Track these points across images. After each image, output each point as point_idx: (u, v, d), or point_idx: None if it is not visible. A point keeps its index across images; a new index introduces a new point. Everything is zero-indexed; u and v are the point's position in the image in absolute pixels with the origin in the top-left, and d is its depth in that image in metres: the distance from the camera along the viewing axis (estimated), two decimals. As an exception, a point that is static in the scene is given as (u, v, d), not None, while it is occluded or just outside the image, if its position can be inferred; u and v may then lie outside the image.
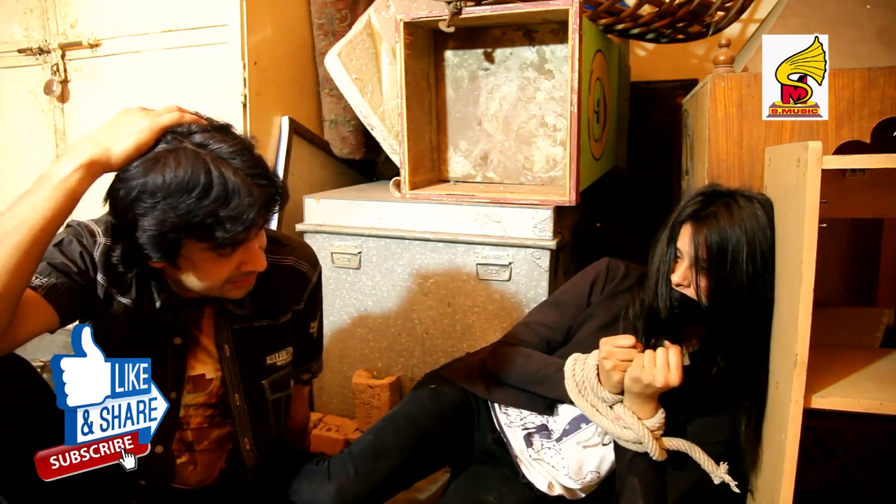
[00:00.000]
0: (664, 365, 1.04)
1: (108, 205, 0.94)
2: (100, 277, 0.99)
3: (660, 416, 1.09)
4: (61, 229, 0.94)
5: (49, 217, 0.84)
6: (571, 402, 1.17)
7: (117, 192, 0.90)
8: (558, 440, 1.22)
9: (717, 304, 1.06)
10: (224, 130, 0.96)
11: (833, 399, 0.98)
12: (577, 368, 1.15)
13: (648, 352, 1.06)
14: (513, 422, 1.27)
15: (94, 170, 0.87)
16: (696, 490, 1.12)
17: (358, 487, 1.15)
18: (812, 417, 0.97)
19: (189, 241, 0.90)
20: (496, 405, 1.30)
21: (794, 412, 0.95)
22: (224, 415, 1.14)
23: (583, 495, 1.24)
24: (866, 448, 1.42)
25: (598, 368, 1.12)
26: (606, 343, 1.10)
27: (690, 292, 1.09)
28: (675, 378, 1.03)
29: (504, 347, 1.27)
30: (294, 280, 1.17)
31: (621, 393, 1.11)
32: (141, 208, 0.88)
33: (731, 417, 1.12)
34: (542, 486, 1.22)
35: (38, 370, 1.03)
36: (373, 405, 1.71)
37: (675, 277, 1.10)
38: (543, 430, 1.24)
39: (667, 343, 1.07)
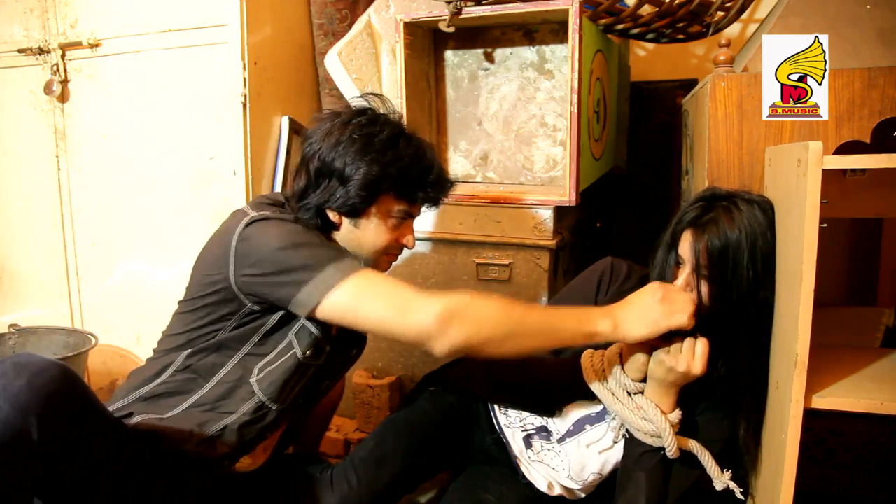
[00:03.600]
0: (689, 350, 1.03)
1: (317, 155, 1.08)
2: None
3: (678, 412, 1.08)
4: (292, 226, 1.06)
5: (557, 344, 1.08)
6: (588, 397, 1.16)
7: (336, 146, 1.07)
8: (560, 441, 1.22)
9: (720, 309, 1.06)
10: (416, 133, 1.17)
11: (833, 399, 0.98)
12: (596, 358, 1.15)
13: (675, 340, 1.06)
14: (512, 423, 1.27)
15: (597, 339, 1.04)
16: (696, 489, 1.12)
17: (361, 496, 1.15)
18: (812, 417, 0.97)
19: (389, 195, 1.11)
20: (496, 406, 1.30)
21: (795, 412, 0.94)
22: (320, 380, 1.22)
23: (583, 495, 1.24)
24: (866, 448, 1.42)
25: (620, 356, 1.12)
26: None
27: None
28: (698, 367, 1.03)
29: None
30: None
31: (642, 382, 1.10)
32: (369, 153, 1.06)
33: (730, 418, 1.12)
34: (541, 486, 1.22)
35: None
36: (373, 405, 1.71)
37: (678, 284, 1.09)
38: (543, 431, 1.24)
39: (698, 335, 1.06)
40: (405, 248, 1.19)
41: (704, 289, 1.06)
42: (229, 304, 1.06)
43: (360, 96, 1.18)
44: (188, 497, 1.05)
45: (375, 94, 1.18)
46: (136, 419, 1.04)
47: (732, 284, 1.03)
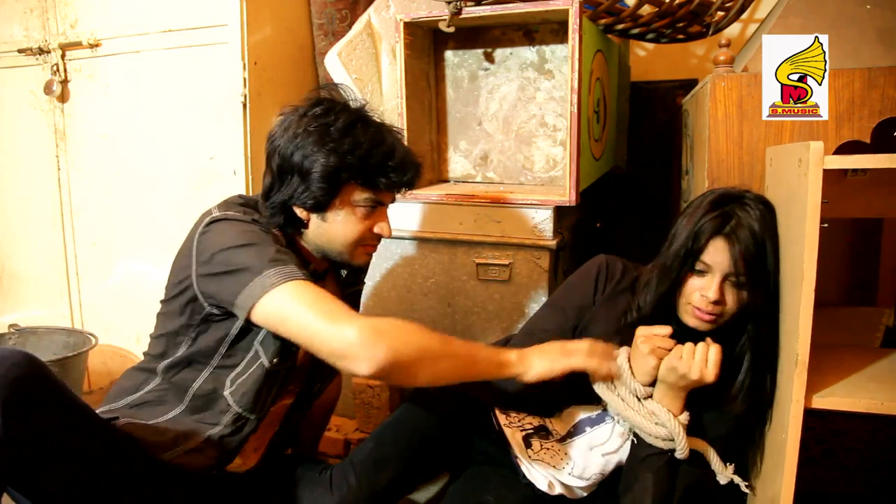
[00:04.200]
0: (703, 359, 1.02)
1: (277, 151, 1.06)
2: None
3: (686, 414, 1.08)
4: (247, 228, 1.04)
5: (475, 371, 1.04)
6: (585, 400, 1.15)
7: (294, 140, 1.05)
8: (561, 441, 1.22)
9: (748, 311, 1.04)
10: (382, 119, 1.15)
11: (834, 399, 0.98)
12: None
13: (689, 344, 1.04)
14: (511, 422, 1.27)
15: (507, 369, 1.05)
16: (700, 488, 1.12)
17: (359, 497, 1.15)
18: (812, 417, 0.97)
19: (352, 184, 1.07)
20: (495, 406, 1.30)
21: (795, 412, 0.95)
22: (296, 381, 1.21)
23: (584, 494, 1.24)
24: (866, 448, 1.42)
25: (629, 361, 1.11)
26: (644, 329, 1.09)
27: (716, 309, 1.06)
28: (711, 374, 1.02)
29: None
30: None
31: (651, 386, 1.09)
32: (326, 144, 1.03)
33: (731, 416, 1.12)
34: (542, 485, 1.22)
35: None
36: (373, 405, 1.71)
37: (710, 294, 1.04)
38: (542, 430, 1.24)
39: (708, 339, 1.05)
40: (382, 238, 1.15)
41: (735, 294, 1.05)
42: (193, 306, 1.06)
43: (322, 87, 1.15)
44: (174, 495, 1.05)
45: (333, 84, 1.15)
46: (122, 422, 1.05)
47: (763, 284, 1.03)
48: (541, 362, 1.05)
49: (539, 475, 1.22)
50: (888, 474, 1.42)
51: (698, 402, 1.13)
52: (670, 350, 1.06)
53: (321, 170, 1.03)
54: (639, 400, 1.10)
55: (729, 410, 1.11)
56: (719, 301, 1.05)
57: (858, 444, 1.43)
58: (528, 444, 1.24)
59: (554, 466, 1.22)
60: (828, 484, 1.45)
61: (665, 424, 1.07)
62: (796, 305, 0.93)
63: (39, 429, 0.84)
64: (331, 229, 1.10)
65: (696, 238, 1.06)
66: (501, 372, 1.05)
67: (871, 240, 1.60)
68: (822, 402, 0.98)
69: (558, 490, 1.22)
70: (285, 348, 1.09)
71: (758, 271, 1.03)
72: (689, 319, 1.09)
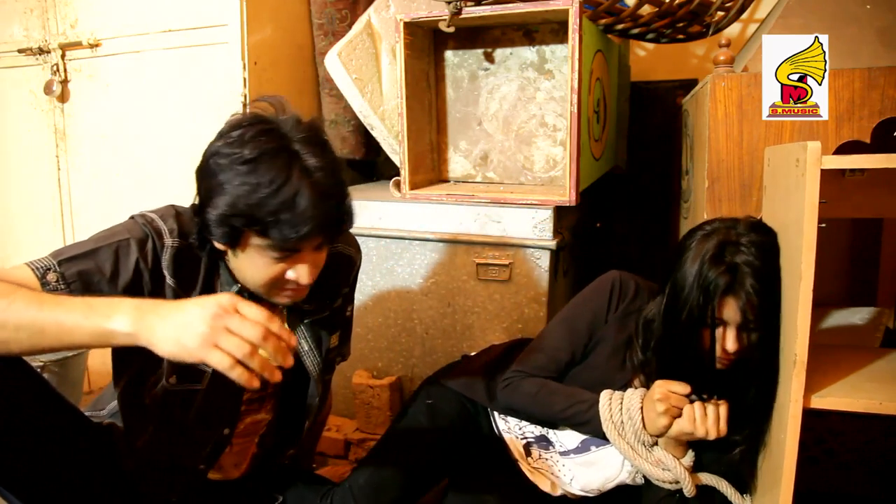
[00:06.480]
0: (715, 421, 1.04)
1: (196, 172, 0.97)
2: (169, 281, 1.00)
3: (691, 454, 1.11)
4: (123, 226, 0.99)
5: (59, 343, 0.79)
6: (604, 438, 1.15)
7: (207, 166, 0.94)
8: (563, 454, 1.22)
9: (762, 345, 1.04)
10: (323, 146, 0.97)
11: (833, 399, 0.98)
12: (615, 408, 1.12)
13: (699, 405, 1.05)
14: (511, 429, 1.27)
15: (114, 339, 0.79)
16: None
17: None
18: (812, 417, 0.97)
19: (250, 232, 0.92)
20: (496, 412, 1.29)
21: (794, 412, 0.95)
22: (261, 401, 1.17)
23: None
24: (866, 448, 1.42)
25: (642, 410, 1.10)
26: (662, 386, 1.07)
27: (729, 356, 1.05)
28: (724, 430, 1.05)
29: (524, 381, 1.21)
30: (342, 264, 1.20)
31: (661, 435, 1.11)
32: (226, 183, 0.91)
33: (733, 454, 1.11)
34: (545, 486, 1.22)
35: (38, 370, 1.04)
36: (373, 405, 1.71)
37: (730, 346, 1.03)
38: (543, 440, 1.24)
39: (715, 398, 1.06)
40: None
41: (753, 336, 1.04)
42: None
43: (262, 99, 1.01)
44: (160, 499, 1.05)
45: (274, 97, 1.00)
46: (106, 422, 1.05)
47: (775, 320, 1.03)
48: (167, 343, 0.77)
49: (541, 477, 1.23)
50: (888, 474, 1.42)
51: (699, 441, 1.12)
52: (682, 408, 1.06)
53: (215, 213, 0.92)
54: (646, 448, 1.12)
55: (732, 451, 1.11)
56: (738, 350, 1.04)
57: (858, 444, 1.43)
58: (527, 453, 1.24)
59: (553, 474, 1.22)
60: (828, 484, 1.45)
61: (671, 470, 1.10)
62: (794, 306, 0.93)
63: (14, 423, 0.84)
64: (241, 267, 0.99)
65: (707, 296, 1.02)
66: (106, 341, 0.79)
67: (871, 240, 1.60)
68: (821, 402, 0.98)
69: (560, 492, 1.22)
70: (183, 367, 0.99)
71: (769, 310, 1.02)
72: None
